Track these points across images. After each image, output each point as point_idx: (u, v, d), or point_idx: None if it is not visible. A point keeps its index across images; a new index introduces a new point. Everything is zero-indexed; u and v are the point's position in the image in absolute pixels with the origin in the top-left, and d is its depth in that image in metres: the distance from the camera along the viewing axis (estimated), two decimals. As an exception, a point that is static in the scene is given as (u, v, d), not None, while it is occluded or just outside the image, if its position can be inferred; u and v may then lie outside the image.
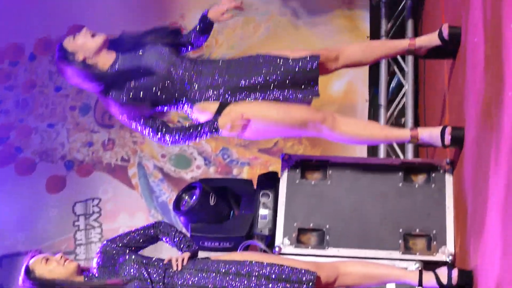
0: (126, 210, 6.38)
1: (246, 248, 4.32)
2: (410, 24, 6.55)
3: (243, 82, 4.02)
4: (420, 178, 4.38)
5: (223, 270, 3.67)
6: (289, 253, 4.23)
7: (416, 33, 6.46)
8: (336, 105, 6.35)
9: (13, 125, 6.69)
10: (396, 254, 4.19)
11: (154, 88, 3.95)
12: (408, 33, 6.51)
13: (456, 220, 4.16)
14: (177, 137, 3.96)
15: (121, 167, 6.54)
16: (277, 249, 4.23)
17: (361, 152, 6.19)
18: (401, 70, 6.55)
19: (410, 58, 6.49)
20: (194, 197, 4.40)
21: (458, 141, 4.07)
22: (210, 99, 4.00)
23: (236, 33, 6.75)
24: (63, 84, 6.75)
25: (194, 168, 6.40)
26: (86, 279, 3.68)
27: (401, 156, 6.23)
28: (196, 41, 4.21)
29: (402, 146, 6.32)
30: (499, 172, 3.20)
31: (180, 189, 4.65)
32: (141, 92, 3.93)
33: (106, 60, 4.00)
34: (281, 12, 6.75)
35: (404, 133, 4.19)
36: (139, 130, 4.01)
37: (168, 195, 6.42)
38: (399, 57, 6.54)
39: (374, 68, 6.50)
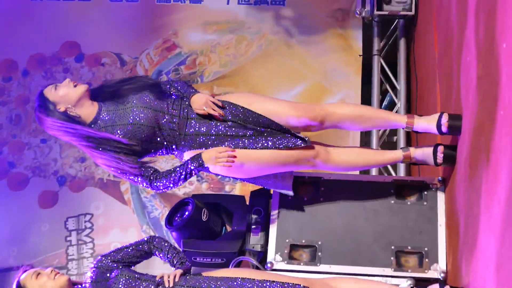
0: (118, 226, 6.37)
1: (238, 264, 4.32)
2: (402, 43, 6.59)
3: (234, 130, 3.95)
4: (412, 196, 4.38)
5: (214, 287, 3.67)
6: (281, 269, 4.23)
7: (409, 52, 6.50)
8: (328, 123, 6.36)
9: (6, 141, 6.69)
10: (389, 271, 4.19)
11: (142, 139, 3.84)
12: (401, 51, 6.55)
13: (448, 238, 4.16)
14: (167, 182, 3.82)
15: (114, 182, 6.54)
16: (269, 265, 4.23)
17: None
18: (394, 88, 6.58)
19: (402, 77, 6.52)
20: (186, 213, 4.40)
21: (450, 159, 4.09)
22: (201, 146, 3.93)
23: (229, 52, 6.77)
24: (56, 100, 6.76)
25: (186, 184, 6.40)
26: None
27: (393, 174, 6.25)
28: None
29: (394, 164, 6.34)
30: (491, 190, 3.21)
31: (172, 205, 4.64)
32: (130, 144, 3.81)
33: (89, 112, 3.84)
34: (273, 31, 6.77)
35: (396, 155, 4.19)
36: (130, 180, 3.88)
37: (161, 210, 6.42)
38: (391, 75, 6.57)
39: (366, 87, 6.53)
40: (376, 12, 6.37)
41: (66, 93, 3.80)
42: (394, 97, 6.57)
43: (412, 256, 4.24)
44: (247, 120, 3.93)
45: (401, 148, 4.22)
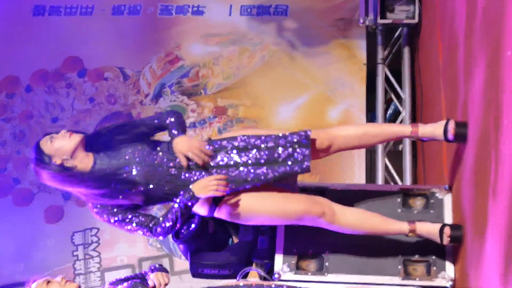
0: (125, 239, 6.38)
1: (246, 275, 4.35)
2: (406, 52, 6.61)
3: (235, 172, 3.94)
4: (418, 204, 4.40)
5: None
6: (289, 279, 4.25)
7: (413, 60, 6.52)
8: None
9: (10, 157, 6.72)
10: (397, 279, 4.21)
11: (141, 193, 3.88)
12: (405, 59, 6.58)
13: (455, 245, 4.18)
14: (164, 224, 3.83)
15: (119, 196, 6.55)
16: (276, 275, 4.25)
17: (359, 179, 6.23)
18: (398, 97, 6.60)
19: (407, 85, 6.55)
20: (193, 225, 4.42)
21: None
22: None
23: (232, 64, 6.80)
24: (59, 115, 6.80)
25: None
26: None
27: (399, 182, 6.27)
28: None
29: (400, 171, 6.36)
30: (497, 197, 3.23)
31: (178, 217, 4.66)
32: (130, 200, 3.87)
33: (85, 164, 3.84)
34: (276, 41, 6.80)
35: (401, 228, 4.10)
36: (128, 231, 3.91)
37: (167, 223, 6.43)
38: (395, 84, 6.60)
39: (371, 95, 6.55)
40: (379, 21, 6.41)
41: (61, 146, 3.81)
42: (399, 105, 6.59)
43: (420, 265, 4.26)
44: (248, 147, 3.95)
45: (407, 222, 4.12)
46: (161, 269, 3.97)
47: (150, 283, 3.87)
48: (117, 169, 3.84)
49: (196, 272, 4.41)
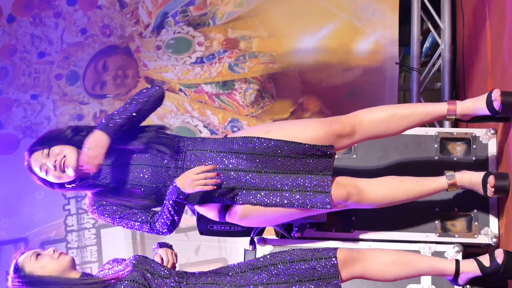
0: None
1: (261, 232, 4.39)
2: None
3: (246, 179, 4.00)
4: (458, 150, 4.43)
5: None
6: (311, 237, 4.30)
7: None
8: (360, 69, 6.39)
9: (-9, 97, 6.78)
10: (433, 236, 4.25)
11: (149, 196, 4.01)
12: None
13: (500, 198, 4.21)
14: (161, 219, 3.90)
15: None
16: (295, 232, 4.29)
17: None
18: (436, 27, 6.58)
19: (446, 14, 6.52)
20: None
21: (502, 190, 4.01)
22: (211, 200, 4.00)
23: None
24: (47, 49, 6.82)
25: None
26: (82, 275, 3.76)
27: (437, 125, 6.28)
28: None
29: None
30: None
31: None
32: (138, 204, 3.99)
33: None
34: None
35: (440, 184, 4.09)
36: (127, 227, 4.02)
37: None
38: (433, 12, 6.57)
39: (405, 25, 6.53)
40: None
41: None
42: (437, 37, 6.58)
43: (460, 220, 4.30)
44: (262, 160, 3.97)
45: (445, 175, 4.12)
46: (170, 247, 4.02)
47: (157, 258, 3.91)
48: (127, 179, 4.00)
49: (205, 228, 4.45)
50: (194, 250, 6.29)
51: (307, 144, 3.94)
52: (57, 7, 6.89)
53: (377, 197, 4.05)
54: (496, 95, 3.95)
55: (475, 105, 4.04)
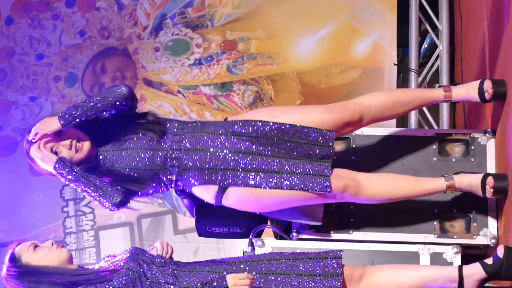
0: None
1: (260, 234, 4.38)
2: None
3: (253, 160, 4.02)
4: (457, 151, 4.43)
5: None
6: (309, 238, 4.29)
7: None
8: (359, 70, 6.39)
9: (-10, 100, 6.78)
10: (431, 237, 4.25)
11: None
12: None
13: (499, 199, 4.20)
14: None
15: (115, 145, 6.60)
16: (294, 234, 4.29)
17: (389, 122, 6.22)
18: (435, 28, 6.58)
19: (444, 14, 6.52)
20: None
21: (501, 191, 4.03)
22: (209, 182, 4.02)
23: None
24: (45, 51, 6.82)
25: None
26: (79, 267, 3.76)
27: (435, 127, 6.28)
28: None
29: (436, 115, 6.36)
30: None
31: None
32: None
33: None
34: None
35: (439, 185, 4.12)
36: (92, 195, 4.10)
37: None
38: (431, 13, 6.57)
39: (403, 26, 6.52)
40: None
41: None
42: (435, 38, 6.57)
43: (458, 221, 4.29)
44: (268, 143, 4.00)
45: (443, 176, 4.15)
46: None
47: (154, 251, 3.91)
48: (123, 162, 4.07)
49: (204, 230, 4.44)
50: (192, 252, 6.29)
51: (312, 128, 4.00)
52: (55, 9, 6.89)
53: (375, 192, 4.07)
54: (487, 86, 4.18)
55: (468, 94, 4.28)
